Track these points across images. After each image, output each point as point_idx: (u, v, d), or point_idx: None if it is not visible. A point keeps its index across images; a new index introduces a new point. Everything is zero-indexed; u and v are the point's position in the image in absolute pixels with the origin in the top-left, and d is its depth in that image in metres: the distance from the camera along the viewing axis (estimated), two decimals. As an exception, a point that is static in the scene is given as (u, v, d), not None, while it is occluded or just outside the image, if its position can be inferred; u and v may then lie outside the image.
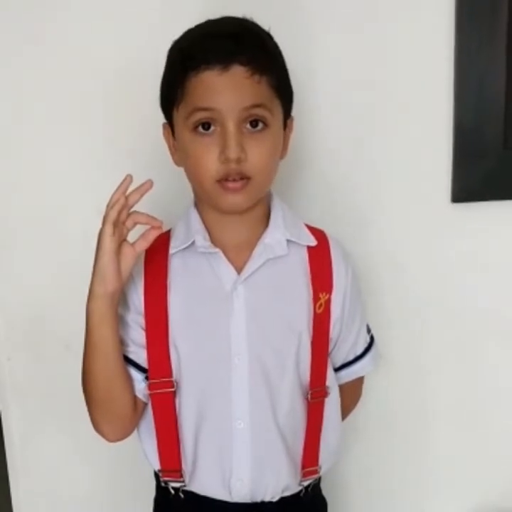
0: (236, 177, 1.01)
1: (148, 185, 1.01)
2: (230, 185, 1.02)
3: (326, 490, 1.24)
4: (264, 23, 1.06)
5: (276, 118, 1.04)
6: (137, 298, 1.09)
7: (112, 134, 1.30)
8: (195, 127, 1.01)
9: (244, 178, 1.01)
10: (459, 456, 1.48)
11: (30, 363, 1.40)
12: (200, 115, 1.00)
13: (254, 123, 1.01)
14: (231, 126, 0.99)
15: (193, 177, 1.06)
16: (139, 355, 1.10)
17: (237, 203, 1.04)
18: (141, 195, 1.01)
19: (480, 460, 1.49)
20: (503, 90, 1.33)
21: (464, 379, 1.45)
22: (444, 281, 1.41)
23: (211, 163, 1.01)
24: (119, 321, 1.08)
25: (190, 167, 1.05)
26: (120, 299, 1.07)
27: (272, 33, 1.07)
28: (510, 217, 1.40)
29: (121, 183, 1.00)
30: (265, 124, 1.02)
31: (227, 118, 0.99)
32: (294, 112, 1.11)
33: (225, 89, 1.00)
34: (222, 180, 1.01)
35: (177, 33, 1.06)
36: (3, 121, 1.30)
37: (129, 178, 1.00)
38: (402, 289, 1.41)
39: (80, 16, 1.26)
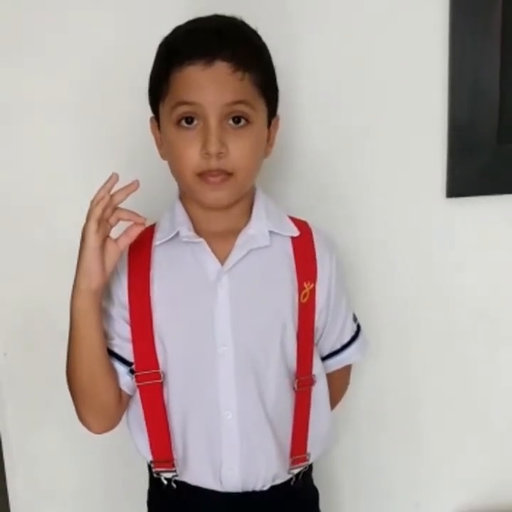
0: (216, 173, 1.02)
1: (134, 185, 1.02)
2: (211, 179, 1.03)
3: (317, 480, 1.24)
4: (251, 23, 1.07)
5: (259, 115, 1.05)
6: (121, 292, 1.10)
7: (99, 129, 1.31)
8: (179, 121, 1.03)
9: (225, 173, 1.02)
10: (450, 446, 1.48)
11: (27, 359, 1.41)
12: (183, 109, 1.02)
13: (236, 119, 1.02)
14: (213, 121, 1.00)
15: (176, 170, 1.07)
16: (124, 348, 1.11)
17: (218, 199, 1.05)
18: (127, 195, 1.02)
19: (472, 450, 1.49)
20: (498, 85, 1.33)
21: (454, 371, 1.45)
22: (437, 276, 1.41)
23: (193, 157, 1.02)
24: (104, 315, 1.09)
25: (172, 160, 1.07)
26: (105, 293, 1.08)
27: (259, 32, 1.07)
28: (505, 212, 1.40)
29: (107, 181, 1.01)
30: (248, 121, 1.03)
31: (209, 113, 1.00)
32: (284, 107, 1.12)
33: (208, 84, 1.01)
34: (204, 173, 1.02)
35: (167, 31, 1.07)
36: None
37: (114, 177, 1.01)
38: (396, 284, 1.41)
39: (75, 15, 1.27)
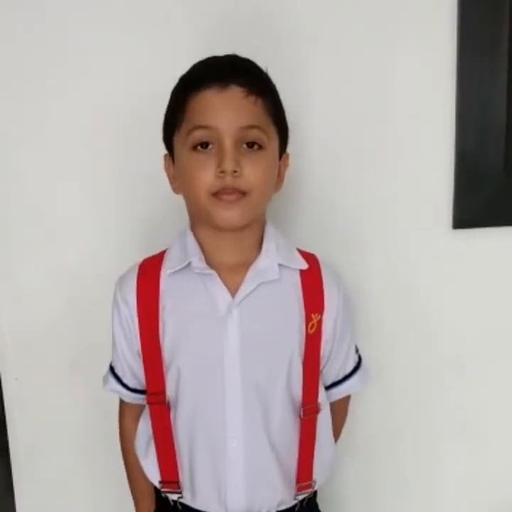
0: (231, 191, 1.03)
1: None
2: (225, 197, 1.04)
3: (322, 504, 1.25)
4: (259, 60, 1.10)
5: (272, 142, 1.07)
6: (132, 322, 1.13)
7: (111, 159, 1.33)
8: (194, 146, 1.05)
9: (240, 192, 1.04)
10: (457, 472, 1.48)
11: (38, 384, 1.42)
12: (200, 133, 1.04)
13: (250, 144, 1.05)
14: (228, 142, 1.03)
15: (190, 193, 1.08)
16: (133, 382, 1.18)
17: (232, 218, 1.05)
18: None
19: (475, 478, 1.49)
20: (504, 116, 1.34)
21: (461, 397, 1.46)
22: (444, 307, 1.42)
23: (207, 178, 1.03)
24: (118, 348, 1.14)
25: (186, 183, 1.08)
26: (116, 324, 1.14)
27: (270, 72, 1.10)
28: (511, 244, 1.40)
29: None
30: (261, 146, 1.05)
31: (224, 136, 1.03)
32: (291, 136, 1.14)
33: (223, 107, 1.03)
34: (219, 192, 1.04)
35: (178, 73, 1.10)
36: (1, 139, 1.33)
37: None
38: (402, 315, 1.42)
39: (91, 53, 1.29)
